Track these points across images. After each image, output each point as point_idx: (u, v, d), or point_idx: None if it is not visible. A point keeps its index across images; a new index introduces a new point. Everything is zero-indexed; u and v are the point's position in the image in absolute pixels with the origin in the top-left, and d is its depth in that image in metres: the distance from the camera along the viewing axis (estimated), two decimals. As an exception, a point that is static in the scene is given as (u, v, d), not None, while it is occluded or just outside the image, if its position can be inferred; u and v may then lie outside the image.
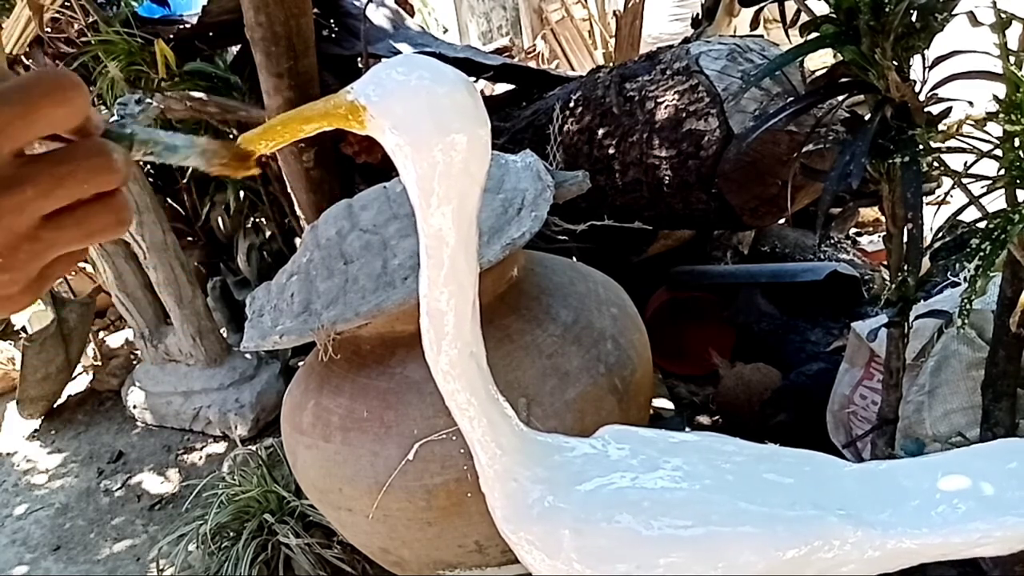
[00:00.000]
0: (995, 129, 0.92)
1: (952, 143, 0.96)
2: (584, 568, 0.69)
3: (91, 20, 2.46)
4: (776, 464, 0.74)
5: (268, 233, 2.84)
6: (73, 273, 3.03)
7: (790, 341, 2.06)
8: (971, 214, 0.99)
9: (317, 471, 1.29)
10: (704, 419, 1.98)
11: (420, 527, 1.23)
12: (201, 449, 2.42)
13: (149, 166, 2.75)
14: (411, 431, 1.19)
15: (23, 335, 2.58)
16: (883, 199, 1.06)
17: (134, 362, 2.83)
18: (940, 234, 1.00)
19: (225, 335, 2.70)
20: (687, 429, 1.92)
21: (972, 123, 0.93)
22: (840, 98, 1.08)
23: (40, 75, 0.36)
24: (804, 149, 1.30)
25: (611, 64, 2.91)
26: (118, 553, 2.01)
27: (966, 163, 0.96)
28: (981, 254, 0.87)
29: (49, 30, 2.56)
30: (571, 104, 2.05)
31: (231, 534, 1.71)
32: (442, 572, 1.31)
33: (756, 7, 1.25)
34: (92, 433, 2.61)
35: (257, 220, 2.82)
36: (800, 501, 0.68)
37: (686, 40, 2.29)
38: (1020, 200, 0.92)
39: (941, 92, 0.99)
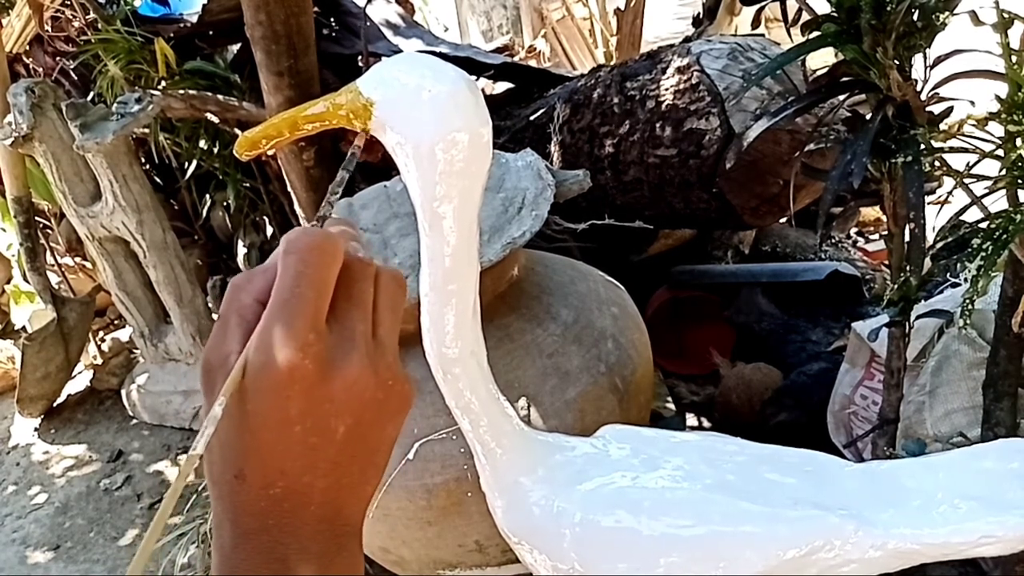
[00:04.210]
0: (997, 129, 0.92)
1: (954, 143, 0.96)
2: (585, 568, 0.69)
3: (91, 18, 2.46)
4: (777, 464, 0.74)
5: (268, 232, 2.84)
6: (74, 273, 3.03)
7: (791, 341, 2.06)
8: (973, 214, 0.99)
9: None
10: (704, 419, 1.97)
11: (420, 526, 1.23)
12: (201, 448, 2.41)
13: (147, 164, 2.74)
14: (411, 430, 1.19)
15: (23, 334, 2.57)
16: (884, 199, 1.06)
17: (134, 361, 2.82)
18: (942, 234, 0.99)
19: (225, 334, 2.68)
20: (687, 429, 1.92)
21: (974, 123, 0.93)
22: (841, 97, 1.08)
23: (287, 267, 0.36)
24: (805, 148, 1.30)
25: (612, 63, 2.91)
26: (118, 552, 2.00)
27: (968, 163, 0.96)
28: (983, 254, 0.87)
29: (49, 28, 2.56)
30: (572, 103, 2.05)
31: (231, 533, 1.70)
32: (442, 572, 1.31)
33: (757, 6, 1.25)
34: (92, 432, 2.60)
35: (257, 219, 2.82)
36: (801, 501, 0.68)
37: (687, 39, 2.29)
38: (1022, 200, 0.92)
39: (943, 91, 0.99)
